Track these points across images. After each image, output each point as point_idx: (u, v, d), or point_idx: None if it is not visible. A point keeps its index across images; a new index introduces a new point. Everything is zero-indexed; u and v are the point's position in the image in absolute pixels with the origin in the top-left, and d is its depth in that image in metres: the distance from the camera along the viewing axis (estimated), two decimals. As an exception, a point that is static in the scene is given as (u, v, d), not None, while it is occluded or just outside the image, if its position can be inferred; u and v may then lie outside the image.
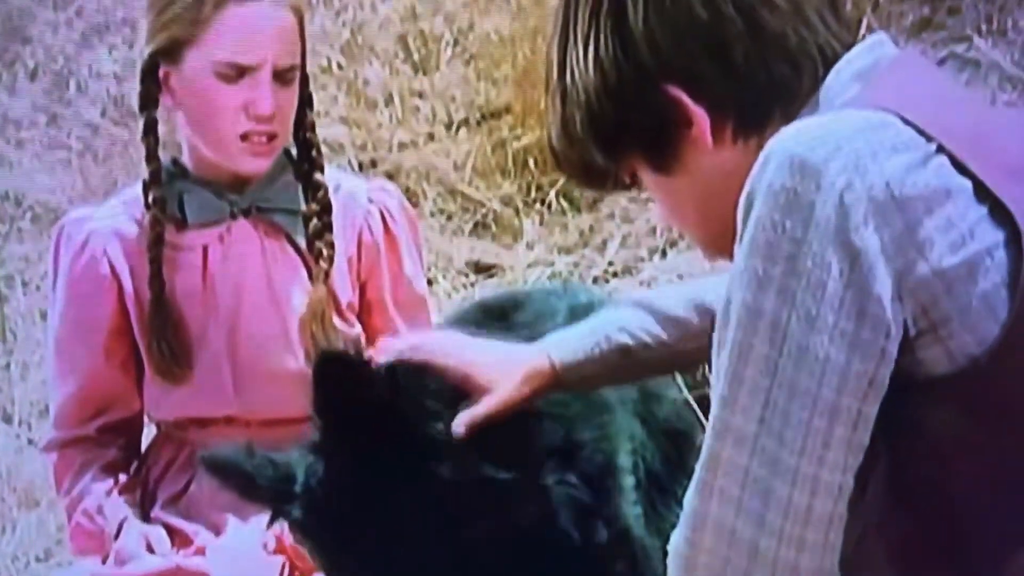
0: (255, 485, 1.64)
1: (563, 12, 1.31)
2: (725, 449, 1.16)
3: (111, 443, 2.11)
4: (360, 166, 3.91)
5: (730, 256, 1.20)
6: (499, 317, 1.89)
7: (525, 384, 1.59)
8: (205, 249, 2.04)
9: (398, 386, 1.57)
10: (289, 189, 2.06)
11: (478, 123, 3.95)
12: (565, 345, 1.63)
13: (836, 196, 1.11)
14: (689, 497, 1.20)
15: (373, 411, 1.54)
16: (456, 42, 4.21)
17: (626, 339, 1.60)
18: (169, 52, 1.97)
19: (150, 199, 2.01)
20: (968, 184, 1.13)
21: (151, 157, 2.02)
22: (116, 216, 2.06)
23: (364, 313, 2.10)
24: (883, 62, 1.24)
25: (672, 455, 1.95)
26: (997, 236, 1.12)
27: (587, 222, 3.52)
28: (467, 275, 3.49)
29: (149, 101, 2.02)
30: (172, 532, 2.03)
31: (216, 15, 1.92)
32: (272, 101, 1.94)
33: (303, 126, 2.05)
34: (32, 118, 4.30)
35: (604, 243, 3.41)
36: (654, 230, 3.35)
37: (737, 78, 1.24)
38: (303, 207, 2.05)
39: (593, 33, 1.27)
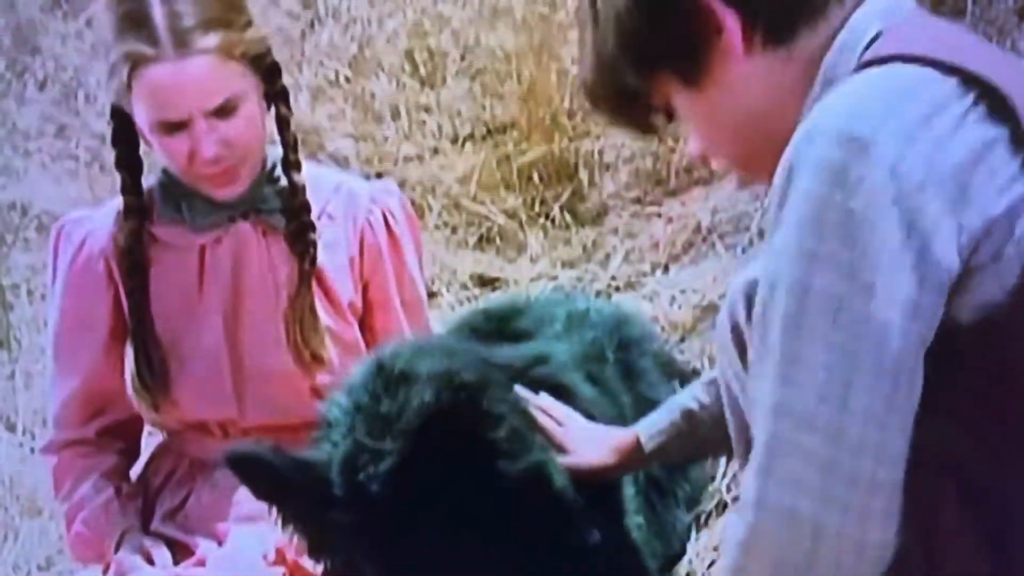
0: (287, 484, 1.63)
1: None
2: (785, 429, 1.14)
3: (110, 447, 2.11)
4: (366, 179, 3.93)
5: (763, 180, 1.19)
6: (501, 323, 1.91)
7: (613, 454, 1.73)
8: (203, 250, 2.05)
9: (484, 413, 1.62)
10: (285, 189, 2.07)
11: (483, 138, 3.96)
12: (649, 421, 1.76)
13: (889, 166, 1.10)
14: (748, 482, 1.18)
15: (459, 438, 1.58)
16: (462, 58, 4.22)
17: (689, 403, 1.72)
18: (119, 104, 1.98)
19: (130, 214, 2.02)
20: (1006, 131, 1.13)
21: (126, 190, 2.03)
22: (114, 217, 2.06)
23: (368, 312, 2.10)
24: (902, 7, 1.25)
25: (671, 460, 1.97)
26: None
27: (590, 236, 3.53)
28: (471, 288, 3.50)
29: (118, 138, 2.03)
30: (173, 544, 2.02)
31: (133, 81, 1.90)
32: (212, 147, 1.92)
33: (281, 124, 2.05)
34: (40, 128, 4.31)
35: (607, 257, 3.42)
36: (657, 245, 3.36)
37: None
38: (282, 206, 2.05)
39: None
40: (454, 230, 3.73)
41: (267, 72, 1.99)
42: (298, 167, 2.04)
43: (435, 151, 4.01)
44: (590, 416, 1.80)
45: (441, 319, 2.66)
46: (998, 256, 1.11)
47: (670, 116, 1.38)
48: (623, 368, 2.08)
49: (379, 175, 3.96)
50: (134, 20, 1.89)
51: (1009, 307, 1.11)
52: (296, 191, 2.03)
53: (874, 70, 1.16)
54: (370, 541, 1.62)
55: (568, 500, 1.64)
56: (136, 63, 1.88)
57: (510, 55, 4.02)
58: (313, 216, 2.04)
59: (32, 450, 3.19)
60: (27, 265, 3.83)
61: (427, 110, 4.11)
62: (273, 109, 2.03)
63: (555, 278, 3.36)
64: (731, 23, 1.25)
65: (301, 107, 4.13)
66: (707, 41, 1.27)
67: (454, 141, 4.01)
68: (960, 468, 1.15)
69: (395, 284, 2.09)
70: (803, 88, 1.23)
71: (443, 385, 1.58)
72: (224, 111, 1.92)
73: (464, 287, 3.50)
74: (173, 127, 1.91)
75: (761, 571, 1.16)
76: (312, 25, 4.43)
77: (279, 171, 2.05)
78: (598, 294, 3.18)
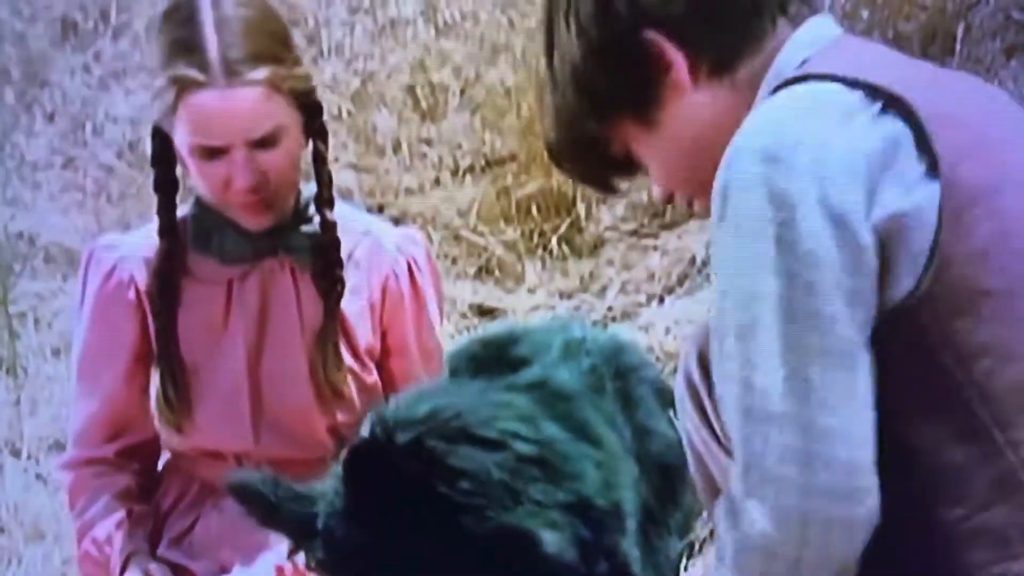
0: (278, 515, 1.66)
1: (546, 10, 1.44)
2: (756, 430, 1.21)
3: (127, 468, 2.12)
4: (368, 211, 3.98)
5: None
6: (499, 350, 1.95)
7: None
8: (230, 283, 2.05)
9: (427, 458, 1.60)
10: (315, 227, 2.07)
11: (483, 170, 4.02)
12: None
13: (808, 173, 1.20)
14: (732, 489, 1.25)
15: (400, 483, 1.58)
16: (463, 92, 4.29)
17: None
18: (160, 125, 2.00)
19: (164, 234, 2.04)
20: (911, 136, 1.23)
21: (162, 210, 2.04)
22: (145, 244, 2.08)
23: (385, 357, 2.11)
24: (828, 35, 1.35)
25: (664, 489, 1.97)
26: (932, 188, 1.23)
27: (587, 268, 3.57)
28: (470, 317, 3.54)
29: (158, 159, 2.04)
30: (178, 570, 2.04)
31: (180, 103, 1.91)
32: (249, 177, 1.92)
33: (317, 161, 2.05)
34: (48, 160, 4.35)
35: (604, 289, 3.46)
36: (653, 276, 3.39)
37: (707, 17, 1.35)
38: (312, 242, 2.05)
39: (573, 7, 1.39)
40: (454, 261, 3.78)
41: (310, 109, 2.01)
42: (331, 204, 2.04)
43: (436, 183, 4.06)
44: (605, 475, 1.78)
45: (440, 348, 2.70)
46: (907, 248, 1.21)
47: (630, 170, 1.47)
48: (621, 397, 2.09)
49: (380, 208, 4.02)
50: (186, 46, 1.91)
51: (919, 295, 1.21)
52: (328, 228, 2.03)
53: (787, 90, 1.26)
54: None
55: (565, 563, 1.62)
56: (184, 87, 1.90)
57: (510, 90, 4.08)
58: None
59: (37, 476, 3.20)
60: (34, 293, 3.86)
61: (428, 143, 4.17)
62: (311, 145, 2.04)
63: (553, 308, 3.40)
64: (679, 60, 1.35)
65: (304, 140, 4.19)
66: (658, 79, 1.37)
67: (454, 174, 4.06)
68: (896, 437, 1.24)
69: (414, 332, 2.11)
70: (745, 113, 1.32)
71: (384, 427, 1.59)
72: (265, 143, 1.93)
73: (463, 316, 3.54)
74: (213, 152, 1.93)
75: (757, 567, 1.23)
76: (315, 61, 4.48)
77: (312, 209, 2.06)
78: (595, 324, 3.22)
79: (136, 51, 4.64)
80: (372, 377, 2.08)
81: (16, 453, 3.30)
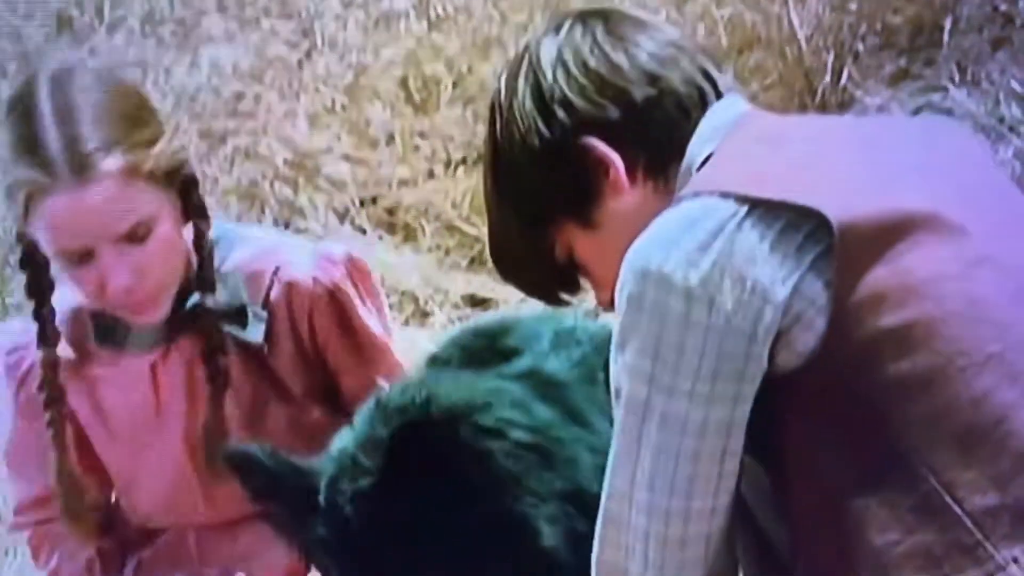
0: (278, 488, 1.66)
1: (488, 123, 1.52)
2: (610, 505, 1.40)
3: None
4: (361, 202, 4.02)
5: None
6: (490, 340, 1.98)
7: None
8: (153, 366, 1.91)
9: (459, 441, 1.63)
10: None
11: (475, 162, 4.05)
12: None
13: (677, 290, 1.31)
14: (594, 549, 1.44)
15: (434, 465, 1.61)
16: (455, 85, 4.32)
17: None
18: (22, 230, 1.79)
19: (44, 342, 1.84)
20: (779, 225, 1.31)
21: (37, 317, 1.83)
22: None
23: (334, 378, 2.00)
24: (731, 119, 1.44)
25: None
26: (817, 248, 1.31)
27: (579, 259, 3.60)
28: (463, 307, 3.58)
29: (26, 263, 1.83)
30: None
31: (30, 209, 1.71)
32: (122, 278, 1.73)
33: (198, 242, 1.85)
34: (45, 153, 4.37)
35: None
36: (643, 267, 3.43)
37: (640, 120, 1.44)
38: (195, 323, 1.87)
39: (513, 116, 1.48)
40: (447, 252, 3.82)
41: (183, 186, 1.80)
42: (212, 288, 1.85)
43: (429, 175, 4.10)
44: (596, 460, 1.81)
45: (433, 338, 2.73)
46: (801, 316, 1.30)
47: (574, 281, 1.57)
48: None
49: (374, 199, 4.05)
50: (27, 144, 1.71)
51: (822, 348, 1.31)
52: (208, 314, 1.85)
53: (671, 208, 1.37)
54: (339, 559, 1.66)
55: (559, 561, 1.63)
56: (31, 192, 1.70)
57: (502, 83, 4.11)
58: (256, 307, 1.90)
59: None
60: (30, 285, 3.89)
61: (421, 135, 4.21)
62: (191, 225, 1.83)
63: (544, 299, 3.44)
64: (617, 161, 1.44)
65: (299, 132, 4.23)
66: (597, 181, 1.45)
67: (447, 165, 4.10)
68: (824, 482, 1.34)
69: (355, 349, 1.99)
70: None
71: (418, 409, 1.60)
72: (134, 236, 1.73)
73: (456, 307, 3.58)
74: (79, 257, 1.73)
75: None
76: (309, 54, 4.51)
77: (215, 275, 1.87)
78: (586, 314, 3.25)
79: (131, 46, 4.67)
80: (315, 414, 1.97)
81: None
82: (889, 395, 1.29)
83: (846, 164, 1.38)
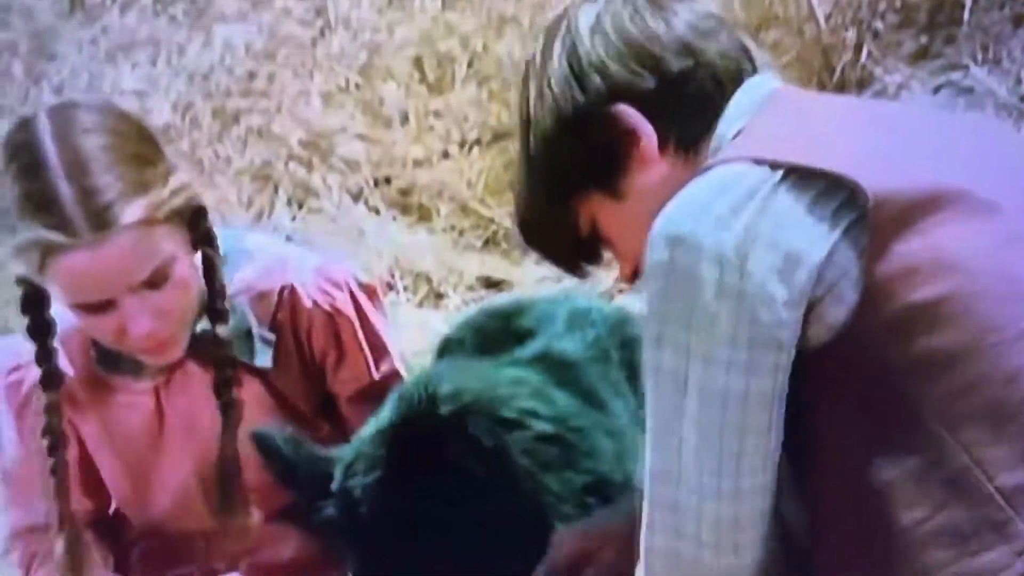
0: (295, 474, 1.71)
1: (521, 89, 1.49)
2: (656, 488, 1.35)
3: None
4: (376, 182, 4.01)
5: None
6: (504, 321, 1.97)
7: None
8: (156, 391, 1.87)
9: (466, 435, 1.63)
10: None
11: (490, 142, 4.04)
12: None
13: (709, 255, 1.27)
14: (641, 535, 1.38)
15: (438, 456, 1.61)
16: (470, 64, 4.30)
17: None
18: (27, 277, 1.72)
19: (48, 385, 1.78)
20: (815, 190, 1.29)
21: (40, 359, 1.77)
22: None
23: (343, 388, 1.96)
24: (761, 97, 1.41)
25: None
26: (850, 217, 1.28)
27: (594, 240, 3.59)
28: (477, 289, 3.57)
29: (28, 305, 1.75)
30: None
31: (46, 266, 1.64)
32: (145, 323, 1.68)
33: (208, 271, 1.79)
34: (57, 132, 4.38)
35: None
36: (659, 248, 3.41)
37: (675, 92, 1.41)
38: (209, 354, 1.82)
39: (547, 80, 1.45)
40: (461, 233, 3.81)
41: (193, 218, 1.73)
42: (225, 318, 1.79)
43: (443, 155, 4.08)
44: (618, 450, 1.80)
45: (447, 320, 2.72)
46: (833, 286, 1.28)
47: (596, 253, 1.53)
48: (627, 367, 2.11)
49: (388, 179, 4.04)
50: (39, 201, 1.62)
51: (852, 322, 1.28)
52: (221, 344, 1.79)
53: (701, 175, 1.33)
54: (351, 544, 1.69)
55: None
56: (47, 251, 1.62)
57: (517, 62, 4.09)
58: (264, 329, 1.86)
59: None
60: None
61: (436, 115, 4.19)
62: (199, 254, 1.77)
63: (559, 280, 3.43)
64: (648, 132, 1.41)
65: (313, 112, 4.21)
66: (627, 151, 1.42)
67: (462, 146, 4.08)
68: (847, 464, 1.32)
69: (362, 363, 1.94)
70: None
71: (423, 402, 1.61)
72: (154, 283, 1.67)
73: (470, 288, 3.57)
74: (98, 307, 1.67)
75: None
76: (323, 33, 4.50)
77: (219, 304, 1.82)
78: (600, 296, 3.25)
79: (143, 25, 4.66)
80: (325, 430, 1.94)
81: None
82: (919, 370, 1.27)
83: (879, 140, 1.36)
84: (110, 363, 1.84)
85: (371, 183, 4.00)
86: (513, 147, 3.90)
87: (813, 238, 1.27)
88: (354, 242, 3.80)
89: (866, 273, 1.27)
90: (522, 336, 1.92)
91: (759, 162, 1.30)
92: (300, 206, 3.96)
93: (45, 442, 1.79)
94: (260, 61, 4.40)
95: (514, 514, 1.63)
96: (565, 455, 1.70)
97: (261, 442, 1.72)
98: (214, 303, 1.79)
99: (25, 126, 1.67)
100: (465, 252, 3.73)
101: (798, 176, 1.29)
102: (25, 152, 1.64)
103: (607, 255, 1.56)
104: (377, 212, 3.96)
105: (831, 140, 1.35)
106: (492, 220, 3.78)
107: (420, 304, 3.58)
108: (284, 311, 1.87)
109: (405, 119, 4.18)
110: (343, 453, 1.71)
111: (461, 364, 1.86)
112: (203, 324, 1.81)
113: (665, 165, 1.42)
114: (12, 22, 4.76)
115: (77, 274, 1.63)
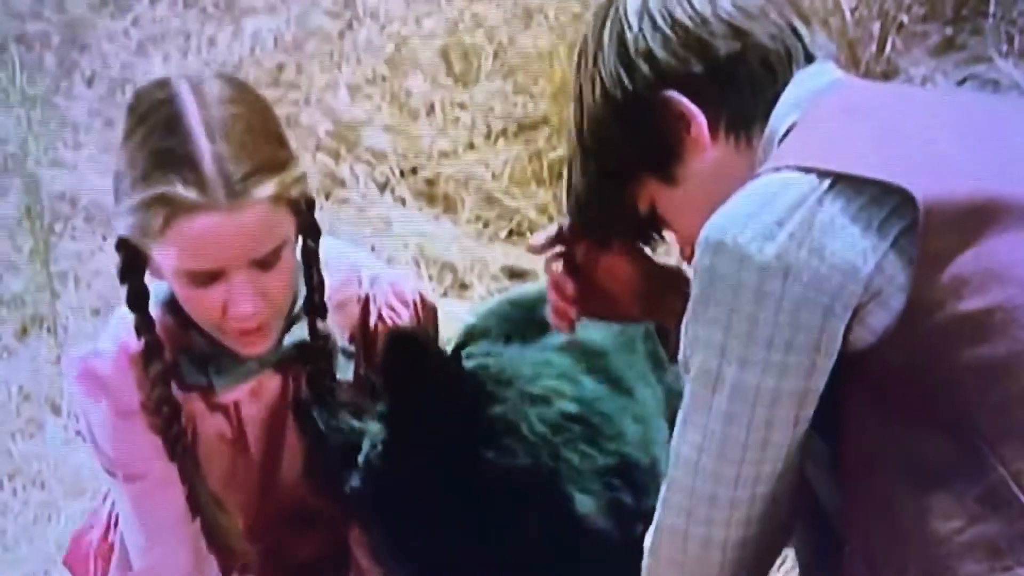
0: (325, 442, 1.75)
1: (575, 72, 1.50)
2: (675, 471, 1.39)
3: None
4: (402, 173, 4.03)
5: None
6: (528, 310, 1.98)
7: None
8: (236, 404, 1.84)
9: (462, 369, 1.68)
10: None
11: (516, 134, 4.05)
12: None
13: (751, 264, 1.28)
14: (656, 514, 1.43)
15: (438, 392, 1.65)
16: (496, 56, 4.31)
17: None
18: (130, 239, 1.68)
19: (151, 359, 1.75)
20: (861, 200, 1.28)
21: (143, 330, 1.73)
22: (120, 347, 1.77)
23: None
24: (817, 87, 1.40)
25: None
26: (900, 225, 1.28)
27: (618, 231, 3.60)
28: (502, 279, 3.59)
29: (127, 272, 1.72)
30: None
31: (169, 226, 1.61)
32: (250, 302, 1.65)
33: (308, 262, 1.78)
34: (88, 123, 4.40)
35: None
36: (683, 239, 3.42)
37: (724, 76, 1.41)
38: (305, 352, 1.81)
39: (598, 69, 1.45)
40: (486, 224, 3.82)
41: (307, 208, 1.74)
42: (323, 313, 1.79)
43: (469, 146, 4.09)
44: (642, 433, 1.81)
45: (471, 309, 2.74)
46: (879, 293, 1.28)
47: (656, 231, 1.56)
48: (652, 358, 2.12)
49: (414, 169, 4.06)
50: (177, 159, 1.59)
51: (896, 328, 1.29)
52: (318, 338, 1.79)
53: (751, 182, 1.34)
54: (374, 512, 1.75)
55: (598, 528, 1.68)
56: (177, 209, 1.59)
57: (543, 54, 4.10)
58: (345, 343, 1.86)
59: (77, 432, 3.24)
60: (75, 253, 3.92)
61: (461, 107, 4.20)
62: (301, 243, 1.76)
63: (583, 271, 3.44)
64: (699, 118, 1.42)
65: (341, 103, 4.24)
66: (679, 137, 1.43)
67: (487, 137, 4.09)
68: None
69: None
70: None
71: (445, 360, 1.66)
72: (266, 263, 1.66)
73: (495, 279, 3.58)
74: (207, 277, 1.65)
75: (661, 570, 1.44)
76: (351, 24, 4.52)
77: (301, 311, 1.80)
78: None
79: (173, 16, 4.69)
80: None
81: (56, 410, 3.34)
82: (963, 380, 1.27)
83: (935, 141, 1.33)
84: (196, 367, 1.78)
85: (397, 174, 4.02)
86: (539, 138, 3.96)
87: (861, 248, 1.27)
88: (380, 232, 3.82)
89: (914, 281, 1.26)
90: (546, 325, 1.94)
91: (807, 170, 1.30)
92: (327, 196, 3.98)
93: (165, 411, 1.76)
94: (289, 53, 4.43)
95: (531, 483, 1.65)
96: (588, 434, 1.71)
97: (298, 409, 1.77)
98: (312, 297, 1.78)
99: (163, 86, 1.66)
100: (490, 242, 3.74)
101: (847, 184, 1.28)
102: (164, 108, 1.62)
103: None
104: (403, 202, 3.98)
105: (884, 141, 1.33)
106: (517, 211, 3.80)
107: (445, 294, 3.60)
108: (358, 324, 1.87)
109: (431, 110, 4.20)
110: (371, 427, 1.74)
111: (487, 347, 1.89)
112: (295, 335, 1.79)
113: (718, 150, 1.42)
114: (44, 14, 4.80)
115: (203, 237, 1.60)
